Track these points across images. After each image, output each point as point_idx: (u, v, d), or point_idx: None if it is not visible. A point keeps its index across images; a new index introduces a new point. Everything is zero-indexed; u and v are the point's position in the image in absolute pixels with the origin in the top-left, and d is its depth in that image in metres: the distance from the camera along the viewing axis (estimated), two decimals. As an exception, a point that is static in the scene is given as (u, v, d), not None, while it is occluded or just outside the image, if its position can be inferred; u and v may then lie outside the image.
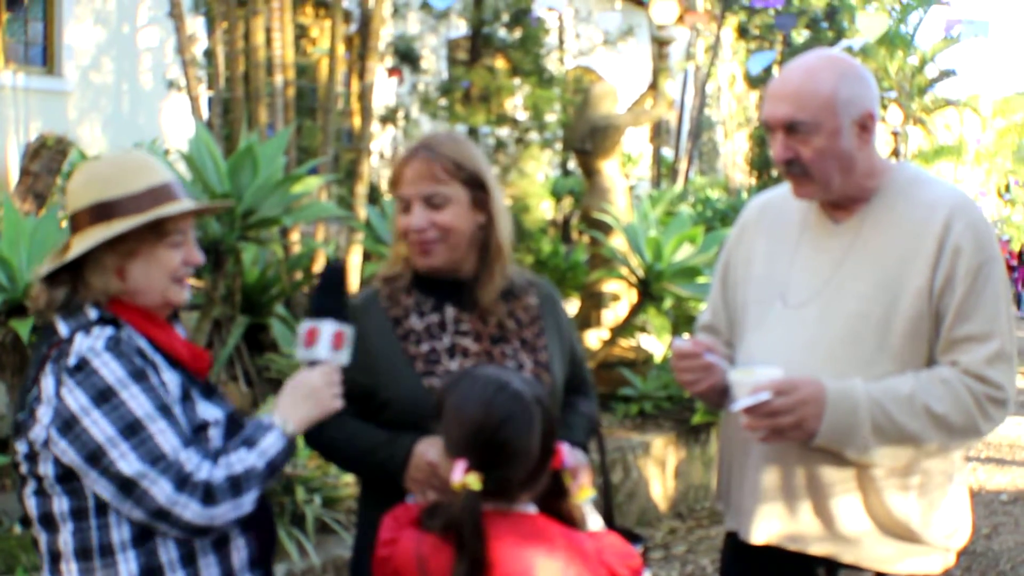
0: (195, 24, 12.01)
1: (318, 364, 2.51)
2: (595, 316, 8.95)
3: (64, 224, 5.66)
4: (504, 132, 12.72)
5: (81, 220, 2.46)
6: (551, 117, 12.73)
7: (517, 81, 12.72)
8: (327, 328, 2.52)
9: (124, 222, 2.40)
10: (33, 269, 4.88)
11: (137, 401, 2.31)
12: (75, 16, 14.05)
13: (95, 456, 2.29)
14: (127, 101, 14.62)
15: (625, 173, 10.37)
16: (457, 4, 12.89)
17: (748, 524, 2.72)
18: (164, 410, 2.35)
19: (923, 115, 30.76)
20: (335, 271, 2.67)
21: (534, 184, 12.15)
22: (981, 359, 2.51)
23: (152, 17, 14.62)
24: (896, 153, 28.11)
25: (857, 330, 2.58)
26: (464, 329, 2.78)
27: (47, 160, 6.23)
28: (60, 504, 2.40)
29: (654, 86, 10.26)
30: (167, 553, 2.39)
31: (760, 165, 21.72)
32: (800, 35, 24.48)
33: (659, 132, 20.40)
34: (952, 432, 2.52)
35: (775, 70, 20.41)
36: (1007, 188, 44.46)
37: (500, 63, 13.16)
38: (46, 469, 2.38)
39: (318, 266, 8.05)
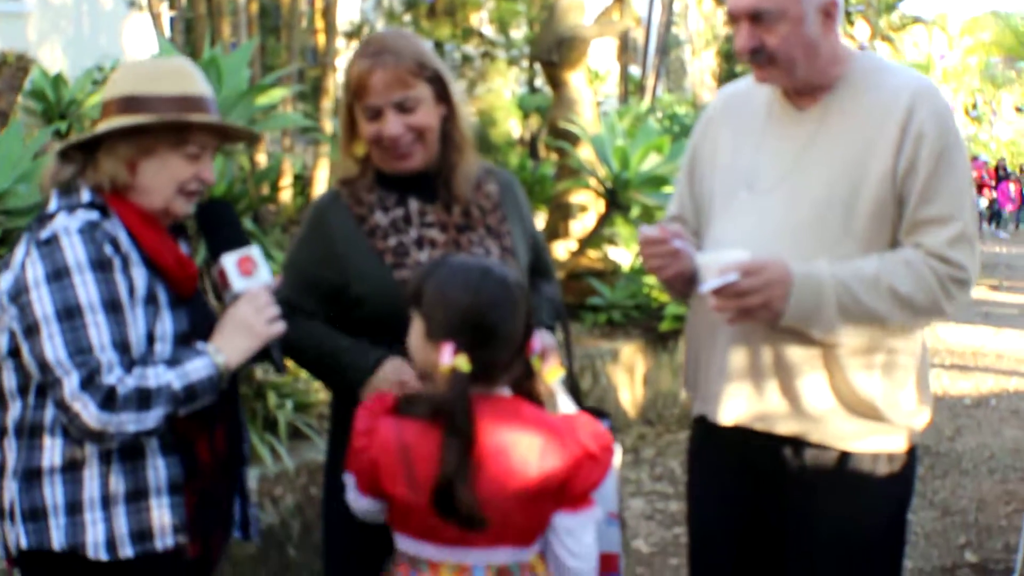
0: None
1: (241, 296, 2.51)
2: (563, 227, 8.97)
3: (27, 141, 5.66)
4: (470, 48, 12.64)
5: (109, 109, 2.47)
6: (517, 33, 12.66)
7: (483, -5, 12.64)
8: (228, 261, 2.52)
9: (149, 116, 2.42)
10: (-2, 183, 4.89)
11: (86, 288, 2.31)
12: (33, -65, 13.83)
13: (30, 330, 2.32)
14: (87, 22, 14.45)
15: (593, 90, 10.32)
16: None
17: (716, 406, 2.77)
18: (111, 306, 2.34)
19: (891, 32, 30.65)
20: (210, 209, 2.65)
21: (501, 99, 12.11)
22: (943, 241, 2.55)
23: (111, -65, 14.40)
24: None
25: (822, 214, 2.62)
26: (429, 220, 2.81)
27: (8, 78, 6.16)
28: (9, 380, 2.42)
29: (620, -2, 10.20)
30: (92, 446, 2.39)
31: (728, 81, 21.66)
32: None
33: (626, 49, 20.29)
34: (916, 312, 2.57)
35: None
36: (974, 106, 44.53)
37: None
38: (1, 341, 2.41)
39: (283, 181, 8.03)
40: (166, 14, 10.74)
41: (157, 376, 2.33)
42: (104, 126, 2.44)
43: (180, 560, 2.49)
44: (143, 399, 2.30)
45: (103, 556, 2.39)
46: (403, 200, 2.82)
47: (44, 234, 2.36)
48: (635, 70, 21.55)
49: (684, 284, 2.74)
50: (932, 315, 2.61)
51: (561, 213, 9.01)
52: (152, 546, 2.43)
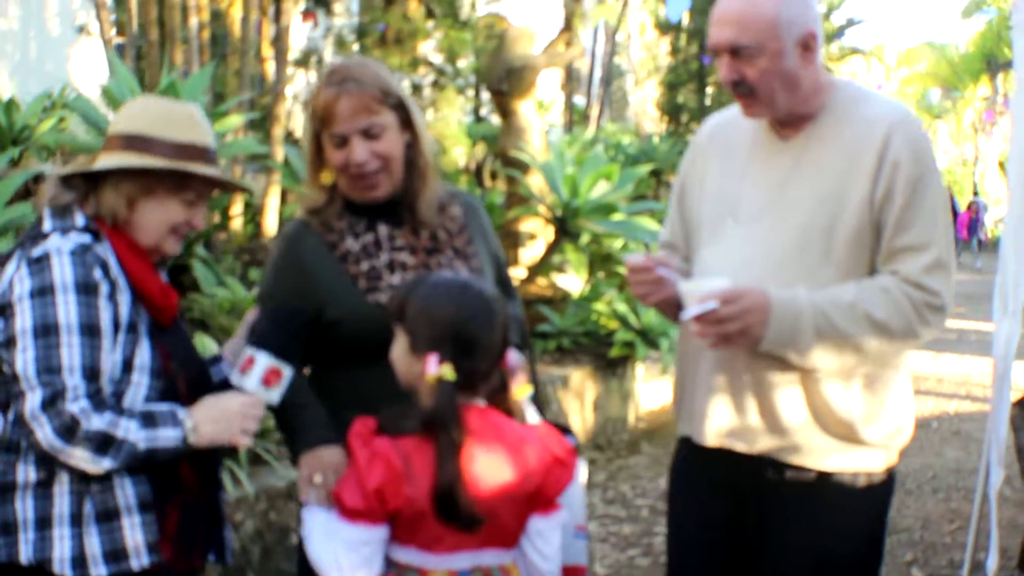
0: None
1: (245, 392, 2.57)
2: (512, 255, 9.05)
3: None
4: (418, 76, 12.74)
5: (114, 143, 2.56)
6: (462, 62, 12.77)
7: (431, 24, 12.74)
8: (262, 361, 2.57)
9: (156, 160, 2.52)
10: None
11: (66, 308, 2.38)
12: (-22, -39, 13.75)
13: (8, 343, 2.39)
14: (34, 47, 14.36)
15: (539, 118, 10.44)
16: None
17: (700, 427, 2.85)
18: (89, 330, 2.39)
19: (830, 63, 31.12)
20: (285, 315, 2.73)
21: (449, 127, 12.21)
22: (919, 268, 2.62)
23: (58, -38, 14.36)
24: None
25: (803, 241, 2.69)
26: (399, 244, 2.88)
27: (-38, 102, 6.20)
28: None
29: (568, 28, 10.35)
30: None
31: (671, 111, 21.84)
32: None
33: (570, 79, 20.49)
34: (892, 337, 2.64)
35: (686, 18, 20.55)
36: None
37: (413, 6, 13.14)
38: None
39: (234, 209, 8.06)
40: (114, 42, 10.71)
41: (127, 430, 2.38)
42: (111, 160, 2.53)
43: None
44: (104, 444, 2.36)
45: (68, 572, 2.42)
46: (372, 226, 2.89)
47: (36, 252, 2.43)
48: (579, 99, 21.75)
49: (672, 309, 2.81)
50: (907, 340, 2.67)
51: (511, 241, 9.09)
52: (127, 565, 2.47)
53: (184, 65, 8.53)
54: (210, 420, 2.49)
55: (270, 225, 8.59)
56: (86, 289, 2.41)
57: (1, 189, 5.29)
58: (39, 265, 2.41)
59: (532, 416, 2.65)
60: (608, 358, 8.35)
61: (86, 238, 2.48)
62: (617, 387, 8.48)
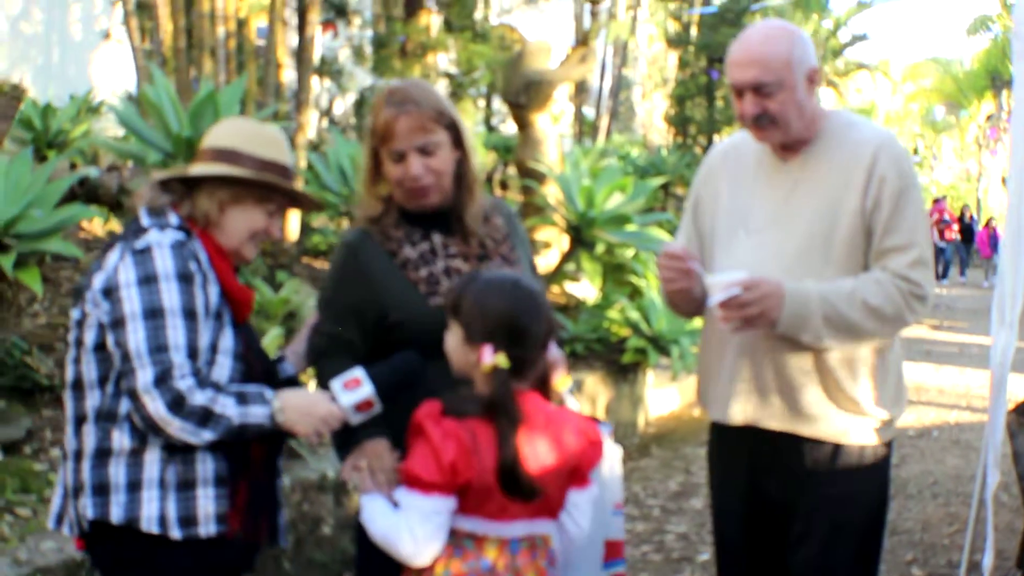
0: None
1: (335, 403, 2.80)
2: (528, 263, 9.25)
3: (39, 166, 5.92)
4: (437, 86, 13.00)
5: (207, 155, 2.86)
6: (477, 74, 13.04)
7: (448, 37, 13.00)
8: (364, 391, 2.80)
9: (247, 172, 2.82)
10: (7, 208, 5.15)
11: (170, 295, 2.66)
12: (3, -34, 14.02)
13: (117, 323, 2.66)
14: (57, 52, 14.63)
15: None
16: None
17: (726, 409, 3.24)
18: (189, 314, 2.68)
19: (836, 78, 31.37)
20: (412, 362, 2.92)
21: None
22: (905, 264, 3.06)
23: (82, -32, 14.63)
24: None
25: (806, 246, 3.12)
26: (453, 252, 3.14)
27: (3, 106, 6.44)
28: (91, 372, 2.74)
29: (584, 43, 10.61)
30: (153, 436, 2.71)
31: (680, 123, 22.09)
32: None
33: (580, 91, 20.72)
34: (884, 320, 3.06)
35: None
36: (915, 151, 45.49)
37: (425, 19, 13.40)
38: (88, 336, 2.73)
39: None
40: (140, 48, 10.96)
41: (224, 406, 2.65)
42: (209, 168, 2.82)
43: (224, 546, 2.78)
44: (205, 418, 2.63)
45: (155, 529, 2.69)
46: (427, 235, 3.14)
47: (139, 244, 2.71)
48: (588, 111, 21.99)
49: (684, 300, 3.23)
50: (897, 323, 3.09)
51: (526, 249, 9.28)
52: (196, 532, 2.72)
53: (211, 74, 8.80)
54: (297, 409, 2.75)
55: (293, 230, 8.83)
56: (185, 278, 2.69)
57: (52, 191, 5.54)
58: (143, 256, 2.69)
59: (572, 403, 2.94)
60: (620, 364, 8.59)
61: (181, 235, 2.77)
62: (628, 392, 8.70)
